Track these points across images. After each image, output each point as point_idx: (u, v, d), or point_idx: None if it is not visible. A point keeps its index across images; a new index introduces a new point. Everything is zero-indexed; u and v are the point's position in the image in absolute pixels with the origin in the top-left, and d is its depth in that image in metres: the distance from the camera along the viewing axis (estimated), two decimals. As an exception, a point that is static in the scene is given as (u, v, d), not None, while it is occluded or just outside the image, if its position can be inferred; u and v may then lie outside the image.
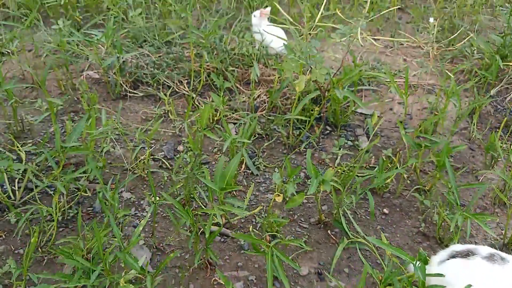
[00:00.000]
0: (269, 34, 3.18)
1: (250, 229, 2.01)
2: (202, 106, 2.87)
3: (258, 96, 2.98)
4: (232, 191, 2.26)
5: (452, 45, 3.32)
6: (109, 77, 2.97)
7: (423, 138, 2.44)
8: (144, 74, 3.06)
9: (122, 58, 2.84)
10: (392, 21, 4.17)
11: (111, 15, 3.84)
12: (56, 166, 2.01)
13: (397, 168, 2.21)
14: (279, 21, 3.65)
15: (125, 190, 2.27)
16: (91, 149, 2.20)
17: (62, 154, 2.17)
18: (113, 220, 1.62)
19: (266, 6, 3.91)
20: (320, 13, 2.27)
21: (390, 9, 3.27)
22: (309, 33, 2.19)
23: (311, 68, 2.13)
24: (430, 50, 2.41)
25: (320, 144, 2.59)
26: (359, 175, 2.21)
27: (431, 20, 2.52)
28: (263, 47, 3.21)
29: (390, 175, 1.99)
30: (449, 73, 2.57)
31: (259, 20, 3.27)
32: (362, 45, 2.10)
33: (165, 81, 3.06)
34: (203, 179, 1.76)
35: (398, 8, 4.32)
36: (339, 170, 2.32)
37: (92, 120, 2.19)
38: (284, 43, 2.55)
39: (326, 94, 2.33)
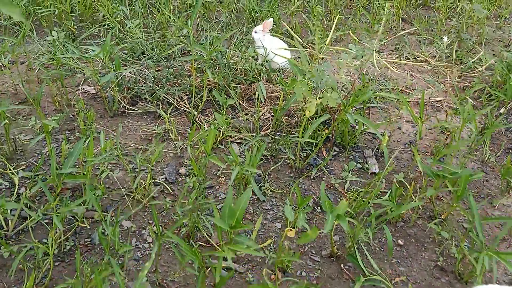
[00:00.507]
0: (272, 48, 3.08)
1: (264, 272, 1.90)
2: (204, 125, 2.75)
3: (262, 114, 2.87)
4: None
5: (461, 61, 3.23)
6: (106, 94, 2.84)
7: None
8: (142, 90, 2.93)
9: (120, 74, 2.71)
10: (395, 31, 4.09)
11: (107, 25, 3.72)
12: (52, 197, 1.87)
13: (411, 196, 2.11)
14: (280, 32, 3.56)
15: (125, 219, 2.14)
16: (89, 176, 2.07)
17: (58, 181, 2.05)
18: (114, 263, 1.50)
19: (268, 17, 3.81)
20: (331, 34, 2.16)
21: (404, 32, 3.16)
22: (321, 56, 2.08)
23: (321, 91, 2.02)
24: (448, 73, 2.31)
25: (328, 166, 2.49)
26: (372, 204, 2.10)
27: (445, 39, 2.43)
28: (266, 61, 3.11)
29: (406, 208, 1.89)
30: (464, 95, 2.48)
31: (261, 34, 3.16)
32: (375, 67, 1.99)
33: (165, 97, 2.94)
34: (212, 218, 1.64)
35: (401, 18, 4.24)
36: (351, 197, 2.22)
37: (90, 144, 2.06)
38: (288, 59, 2.45)
39: (336, 116, 2.23)
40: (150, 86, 2.95)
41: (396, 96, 2.21)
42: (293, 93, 2.66)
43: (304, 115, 2.23)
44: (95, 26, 3.86)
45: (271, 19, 3.15)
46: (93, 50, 2.71)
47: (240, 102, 2.95)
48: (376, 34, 2.11)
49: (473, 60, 2.99)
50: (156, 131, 2.70)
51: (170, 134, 2.68)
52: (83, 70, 3.00)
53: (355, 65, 2.01)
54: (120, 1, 4.17)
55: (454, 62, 3.18)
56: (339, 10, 4.24)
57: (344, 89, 2.74)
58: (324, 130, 2.36)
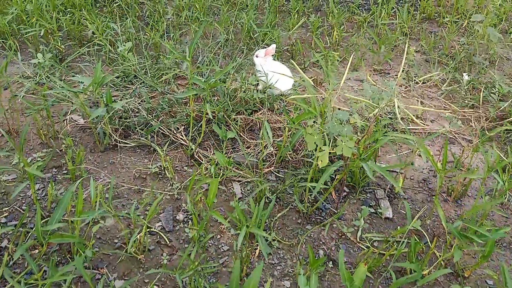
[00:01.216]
0: (275, 73, 2.89)
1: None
2: (203, 161, 2.55)
3: (265, 147, 2.68)
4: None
5: (472, 86, 3.06)
6: (96, 128, 2.63)
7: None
8: (135, 121, 2.72)
9: (112, 108, 2.50)
10: (400, 48, 3.91)
11: (97, 44, 3.49)
12: (36, 267, 1.67)
13: (433, 252, 1.93)
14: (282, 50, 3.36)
15: (117, 277, 1.94)
16: (77, 233, 1.87)
17: (43, 241, 1.84)
18: None
19: (262, 42, 3.61)
20: (344, 77, 1.97)
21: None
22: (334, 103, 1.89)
23: (335, 138, 1.84)
24: (473, 120, 2.12)
25: (339, 210, 2.30)
26: (390, 261, 1.93)
27: (466, 77, 2.25)
28: (269, 88, 2.91)
29: (434, 276, 1.70)
30: (487, 133, 2.31)
31: (263, 60, 2.97)
32: (397, 116, 1.81)
33: (160, 128, 2.73)
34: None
35: (405, 34, 4.07)
36: (364, 248, 2.04)
37: (79, 198, 1.86)
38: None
39: (349, 162, 2.04)
40: (144, 116, 2.74)
41: (412, 138, 2.02)
42: (298, 128, 2.47)
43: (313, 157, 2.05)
44: (84, 44, 3.64)
45: (274, 45, 2.95)
46: (81, 82, 2.49)
47: (241, 133, 2.75)
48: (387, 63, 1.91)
49: (508, 103, 2.80)
50: (150, 169, 2.50)
51: (166, 172, 2.48)
52: (70, 99, 2.78)
53: (371, 110, 1.82)
54: (111, 17, 3.96)
55: (477, 102, 2.99)
56: (341, 26, 4.05)
57: (357, 130, 2.55)
58: (337, 177, 2.17)
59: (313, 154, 2.41)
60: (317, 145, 1.82)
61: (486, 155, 1.91)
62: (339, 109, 1.82)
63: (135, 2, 4.15)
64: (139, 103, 2.91)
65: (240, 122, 2.75)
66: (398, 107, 1.76)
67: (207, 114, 2.69)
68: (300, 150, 2.63)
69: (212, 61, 3.25)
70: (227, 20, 3.80)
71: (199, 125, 2.76)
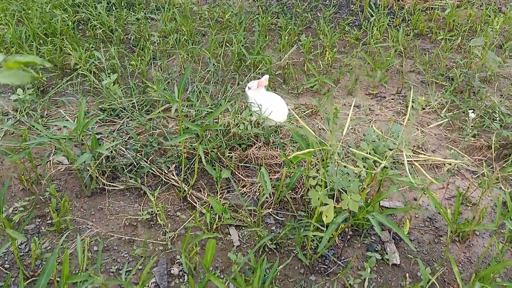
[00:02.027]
0: (268, 105, 2.77)
1: None
2: (197, 205, 2.41)
3: (263, 194, 2.54)
4: None
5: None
6: (82, 172, 2.47)
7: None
8: (124, 162, 2.57)
9: (98, 153, 2.34)
10: (394, 68, 3.81)
11: (81, 74, 3.33)
12: None
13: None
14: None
15: None
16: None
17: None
18: None
19: (253, 68, 3.49)
20: (347, 125, 1.85)
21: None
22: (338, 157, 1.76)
23: (340, 192, 1.71)
24: (487, 172, 2.00)
25: (343, 257, 2.18)
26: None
27: (472, 115, 2.15)
28: (263, 120, 2.78)
29: None
30: (495, 168, 2.20)
31: (256, 91, 2.84)
32: (406, 171, 1.67)
33: (150, 169, 2.58)
34: None
35: (399, 53, 3.97)
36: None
37: (65, 265, 1.70)
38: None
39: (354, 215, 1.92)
40: (133, 155, 2.59)
41: (416, 182, 1.90)
42: (296, 166, 2.35)
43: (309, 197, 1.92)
44: (67, 73, 3.48)
45: (267, 76, 2.82)
46: (65, 126, 2.34)
47: (235, 171, 2.62)
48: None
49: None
50: (141, 216, 2.35)
51: (158, 218, 2.33)
52: (53, 142, 2.61)
53: (374, 156, 1.70)
54: (94, 43, 3.80)
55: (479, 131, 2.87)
56: (334, 49, 3.94)
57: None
58: (341, 226, 2.05)
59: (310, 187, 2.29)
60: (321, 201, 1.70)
61: (498, 201, 1.81)
62: (345, 166, 1.70)
63: (119, 25, 3.99)
64: (127, 139, 2.76)
65: (235, 159, 2.62)
66: (406, 159, 1.64)
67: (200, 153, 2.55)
68: (299, 189, 2.50)
69: (202, 91, 3.11)
70: (216, 44, 3.67)
71: (191, 163, 2.62)
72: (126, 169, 2.56)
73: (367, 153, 1.75)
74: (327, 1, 5.09)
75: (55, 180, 2.55)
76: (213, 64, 3.33)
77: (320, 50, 3.96)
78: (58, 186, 2.52)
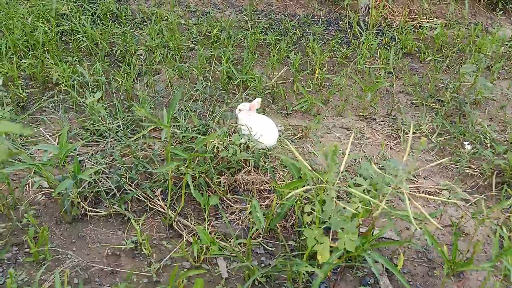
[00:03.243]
0: (258, 128, 2.70)
1: None
2: (184, 233, 2.31)
3: (250, 213, 2.46)
4: None
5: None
6: (62, 199, 2.35)
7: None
8: (107, 187, 2.46)
9: (81, 181, 2.23)
10: (384, 89, 3.78)
11: (64, 91, 3.21)
12: None
13: None
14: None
15: None
16: None
17: None
18: None
19: (243, 87, 3.42)
20: (344, 162, 1.79)
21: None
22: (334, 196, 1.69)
23: (336, 231, 1.64)
24: (485, 209, 1.96)
25: (335, 291, 2.11)
26: None
27: (468, 147, 2.12)
28: (253, 143, 2.70)
29: None
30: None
31: (247, 114, 2.77)
32: (410, 218, 1.60)
33: (135, 194, 2.48)
34: None
35: (388, 72, 3.95)
36: None
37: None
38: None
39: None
40: (117, 180, 2.48)
41: (417, 225, 1.84)
42: (288, 194, 2.27)
43: (303, 222, 1.86)
44: (48, 88, 3.35)
45: (259, 99, 2.75)
46: (45, 150, 2.22)
47: (224, 197, 2.53)
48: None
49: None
50: (125, 244, 2.24)
51: (143, 247, 2.23)
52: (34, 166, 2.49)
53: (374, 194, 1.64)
54: (77, 57, 3.68)
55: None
56: (324, 69, 3.90)
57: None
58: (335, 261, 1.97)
59: (305, 226, 2.22)
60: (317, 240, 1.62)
61: (495, 239, 1.76)
62: (344, 207, 1.63)
63: (104, 39, 3.87)
64: (110, 161, 2.65)
65: (223, 183, 2.53)
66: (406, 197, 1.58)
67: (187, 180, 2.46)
68: (289, 217, 2.43)
69: (190, 111, 3.02)
70: (204, 61, 3.58)
71: (177, 187, 2.53)
72: (109, 194, 2.44)
73: (363, 191, 1.69)
74: (316, 18, 5.07)
75: (33, 205, 2.43)
76: (202, 82, 3.24)
77: (310, 69, 3.91)
78: (37, 211, 2.40)
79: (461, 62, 4.18)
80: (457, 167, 2.77)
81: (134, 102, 3.17)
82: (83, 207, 2.39)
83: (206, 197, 2.35)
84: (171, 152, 2.09)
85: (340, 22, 5.00)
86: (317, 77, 3.65)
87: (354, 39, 4.53)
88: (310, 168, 1.74)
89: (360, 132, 3.11)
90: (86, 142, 2.81)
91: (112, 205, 2.41)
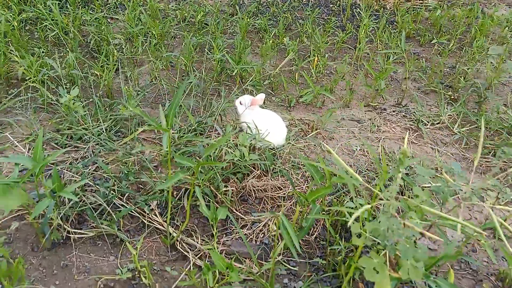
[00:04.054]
0: (266, 125, 2.35)
1: None
2: (189, 255, 1.94)
3: (265, 225, 2.11)
4: None
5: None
6: (39, 222, 1.93)
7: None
8: (92, 203, 2.05)
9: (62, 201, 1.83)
10: (388, 76, 3.47)
11: (33, 88, 2.75)
12: None
13: None
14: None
15: None
16: None
17: None
18: None
19: (240, 79, 3.04)
20: (399, 177, 1.45)
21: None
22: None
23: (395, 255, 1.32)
24: None
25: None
26: None
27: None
28: (259, 142, 2.35)
29: None
30: None
31: (249, 108, 2.40)
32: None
33: (125, 207, 2.08)
34: None
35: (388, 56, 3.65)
36: None
37: None
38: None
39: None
40: (104, 194, 2.08)
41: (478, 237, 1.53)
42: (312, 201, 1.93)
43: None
44: (12, 85, 2.88)
45: (263, 95, 2.39)
46: (17, 164, 1.79)
47: (232, 208, 2.17)
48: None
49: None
50: (120, 273, 1.85)
51: (142, 276, 1.85)
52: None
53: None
54: (46, 49, 3.20)
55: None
56: (326, 56, 3.55)
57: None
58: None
59: (335, 240, 1.89)
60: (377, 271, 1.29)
61: None
62: (407, 226, 1.29)
63: (75, 26, 3.40)
64: (93, 170, 2.24)
65: (230, 191, 2.17)
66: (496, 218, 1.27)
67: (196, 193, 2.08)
68: (313, 229, 2.09)
69: (184, 106, 2.63)
70: (191, 50, 3.17)
71: (176, 198, 2.15)
72: (96, 211, 2.04)
73: (423, 202, 1.37)
74: (304, 0, 4.71)
75: (3, 228, 2.00)
76: (195, 75, 2.85)
77: (308, 56, 3.57)
78: (8, 236, 1.97)
79: (464, 45, 3.93)
80: (487, 161, 2.49)
81: (116, 98, 2.75)
82: (64, 228, 1.98)
83: (214, 211, 1.98)
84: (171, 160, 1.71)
85: (331, 5, 4.66)
86: (318, 64, 3.31)
87: (349, 23, 4.20)
88: (358, 177, 1.40)
89: (373, 124, 2.79)
90: (63, 147, 2.38)
91: (101, 224, 2.00)
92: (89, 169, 2.23)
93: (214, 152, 2.25)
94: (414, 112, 2.93)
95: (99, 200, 2.03)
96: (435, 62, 3.58)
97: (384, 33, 3.78)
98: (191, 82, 2.66)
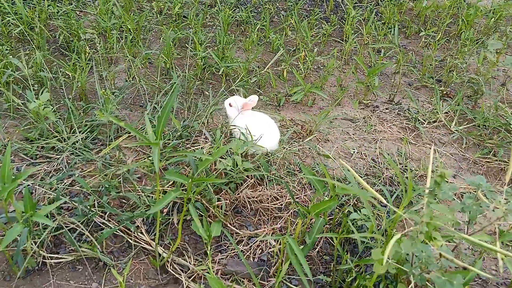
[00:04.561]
0: (260, 130, 2.17)
1: None
2: (181, 277, 1.76)
3: (263, 241, 1.94)
4: None
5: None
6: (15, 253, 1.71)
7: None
8: (70, 222, 1.84)
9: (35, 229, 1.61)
10: (383, 72, 3.34)
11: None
12: None
13: None
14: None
15: None
16: None
17: None
18: None
19: (223, 75, 2.84)
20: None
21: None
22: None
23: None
24: None
25: None
26: None
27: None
28: (252, 149, 2.17)
29: None
30: None
31: (240, 111, 2.22)
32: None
33: (107, 225, 1.87)
34: None
35: (378, 51, 3.52)
36: None
37: None
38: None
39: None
40: (83, 212, 1.86)
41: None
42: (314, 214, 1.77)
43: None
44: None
45: (255, 97, 2.20)
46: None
47: (225, 220, 1.99)
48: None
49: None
50: (106, 303, 1.65)
51: (131, 305, 1.66)
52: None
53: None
54: (9, 46, 2.91)
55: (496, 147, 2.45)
56: (314, 50, 3.38)
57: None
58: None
59: (342, 257, 1.75)
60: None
61: None
62: (446, 258, 1.15)
63: (41, 22, 3.11)
64: (70, 184, 2.02)
65: (223, 204, 1.99)
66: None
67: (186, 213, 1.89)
68: (315, 243, 1.94)
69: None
70: (171, 46, 2.95)
71: (163, 214, 1.96)
72: (74, 231, 1.82)
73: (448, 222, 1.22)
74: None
75: (-33, 256, 1.76)
76: (176, 73, 2.63)
77: (293, 50, 3.40)
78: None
79: (451, 37, 3.84)
80: (487, 161, 2.40)
81: (91, 101, 2.51)
82: (39, 254, 1.76)
83: (208, 228, 1.80)
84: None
85: (313, -5, 4.49)
86: (304, 59, 3.14)
87: (332, 14, 4.04)
88: (375, 193, 1.25)
89: (370, 125, 2.65)
90: (33, 159, 2.14)
91: (80, 247, 1.79)
92: (64, 184, 2.01)
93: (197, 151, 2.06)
94: (408, 109, 2.80)
95: (77, 222, 1.81)
96: (423, 55, 3.46)
97: (372, 25, 3.65)
98: (175, 83, 2.45)
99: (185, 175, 2.05)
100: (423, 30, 3.61)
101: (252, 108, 2.30)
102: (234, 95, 2.42)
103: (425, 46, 3.70)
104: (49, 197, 1.94)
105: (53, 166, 2.11)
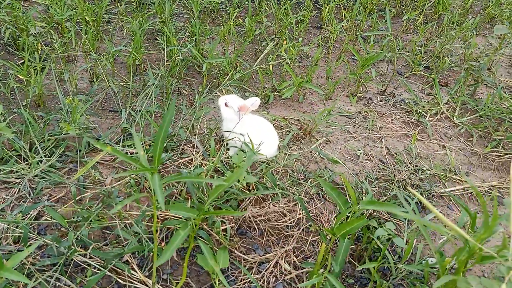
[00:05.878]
0: (259, 136, 1.89)
1: None
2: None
3: (275, 265, 1.68)
4: None
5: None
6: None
7: None
8: (47, 264, 1.49)
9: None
10: (385, 65, 3.12)
11: None
12: None
13: None
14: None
15: None
16: None
17: None
18: None
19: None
20: None
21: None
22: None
23: None
24: None
25: None
26: None
27: None
28: (250, 154, 1.88)
29: None
30: None
31: (236, 115, 1.92)
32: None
33: (91, 264, 1.54)
34: None
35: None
36: None
37: None
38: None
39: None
40: (60, 252, 1.51)
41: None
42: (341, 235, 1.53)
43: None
44: None
45: (257, 100, 1.90)
46: None
47: (231, 246, 1.71)
48: None
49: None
50: None
51: None
52: None
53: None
54: None
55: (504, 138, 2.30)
56: (300, 40, 3.11)
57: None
58: None
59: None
60: None
61: None
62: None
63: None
64: (38, 215, 1.65)
65: (230, 229, 1.70)
66: None
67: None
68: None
69: (145, 114, 2.07)
70: (140, 40, 2.57)
71: (159, 240, 1.64)
72: (49, 270, 1.48)
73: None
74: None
75: None
76: (155, 75, 2.28)
77: (271, 39, 3.11)
78: None
79: (428, 20, 3.69)
80: (498, 155, 2.24)
81: (51, 107, 2.12)
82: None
83: (214, 258, 1.51)
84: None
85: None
86: (286, 49, 2.86)
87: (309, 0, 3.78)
88: (462, 233, 1.01)
89: (371, 120, 2.43)
90: (-14, 186, 1.75)
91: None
92: (30, 218, 1.64)
93: (195, 169, 1.75)
94: (404, 100, 2.61)
95: (54, 259, 1.46)
96: (405, 40, 3.28)
97: (352, 10, 3.42)
98: (153, 84, 2.10)
99: (186, 197, 1.74)
100: (405, 13, 3.42)
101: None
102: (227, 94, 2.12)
103: (406, 30, 3.53)
104: (13, 235, 1.57)
105: (14, 193, 1.73)
